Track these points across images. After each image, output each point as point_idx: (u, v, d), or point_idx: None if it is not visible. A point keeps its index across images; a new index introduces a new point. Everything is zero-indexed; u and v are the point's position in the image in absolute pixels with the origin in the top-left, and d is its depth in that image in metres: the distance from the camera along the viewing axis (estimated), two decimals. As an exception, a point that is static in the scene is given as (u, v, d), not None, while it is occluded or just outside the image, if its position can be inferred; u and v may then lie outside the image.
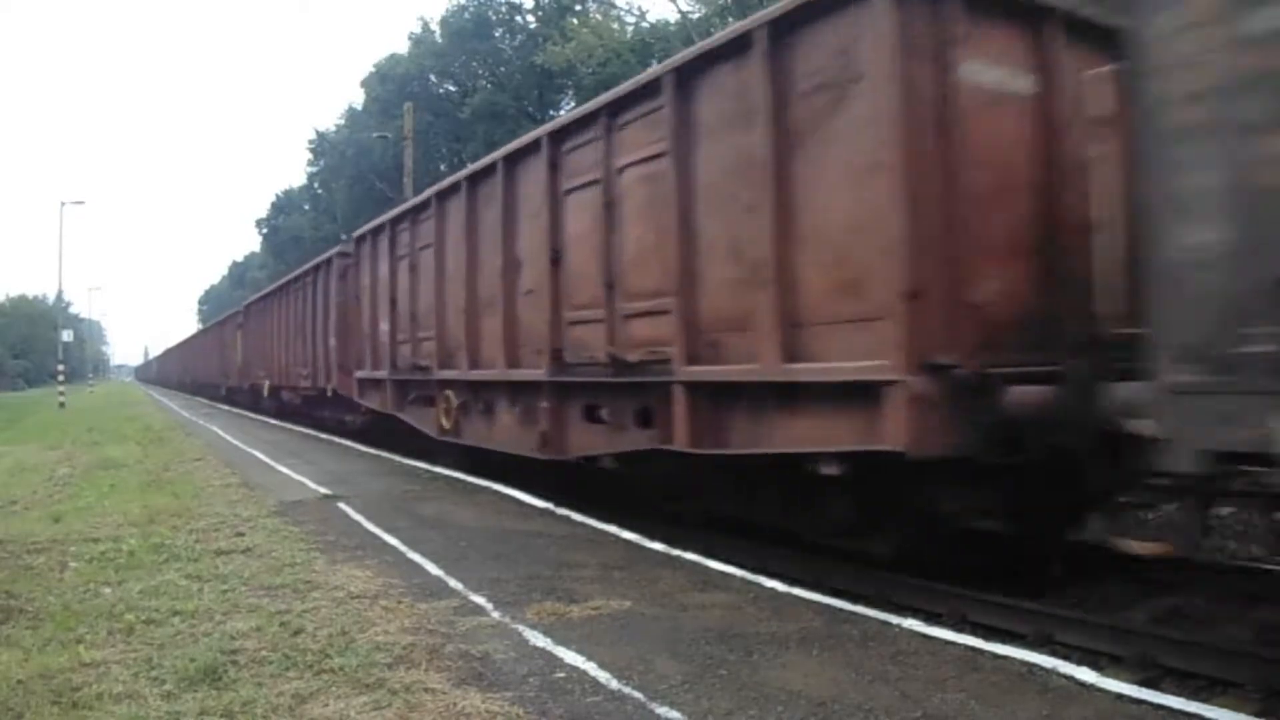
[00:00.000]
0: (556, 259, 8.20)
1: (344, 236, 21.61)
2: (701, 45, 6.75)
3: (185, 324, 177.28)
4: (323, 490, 9.94)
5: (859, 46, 5.13)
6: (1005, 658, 4.16)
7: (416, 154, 28.10)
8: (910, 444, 4.78)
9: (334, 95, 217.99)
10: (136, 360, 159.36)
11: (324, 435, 17.87)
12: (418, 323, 11.72)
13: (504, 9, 39.31)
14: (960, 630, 4.78)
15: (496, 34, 39.14)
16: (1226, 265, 3.53)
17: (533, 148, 8.68)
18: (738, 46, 6.01)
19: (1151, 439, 3.91)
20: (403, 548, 6.83)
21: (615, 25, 31.27)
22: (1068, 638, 4.81)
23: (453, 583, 5.75)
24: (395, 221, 12.62)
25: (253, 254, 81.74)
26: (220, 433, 19.79)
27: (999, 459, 4.82)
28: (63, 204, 45.71)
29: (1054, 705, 3.62)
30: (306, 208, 54.47)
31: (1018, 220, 5.33)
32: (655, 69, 7.32)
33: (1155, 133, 3.81)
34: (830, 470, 5.48)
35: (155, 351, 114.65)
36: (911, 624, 4.72)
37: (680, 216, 6.51)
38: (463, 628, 4.77)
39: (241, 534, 7.39)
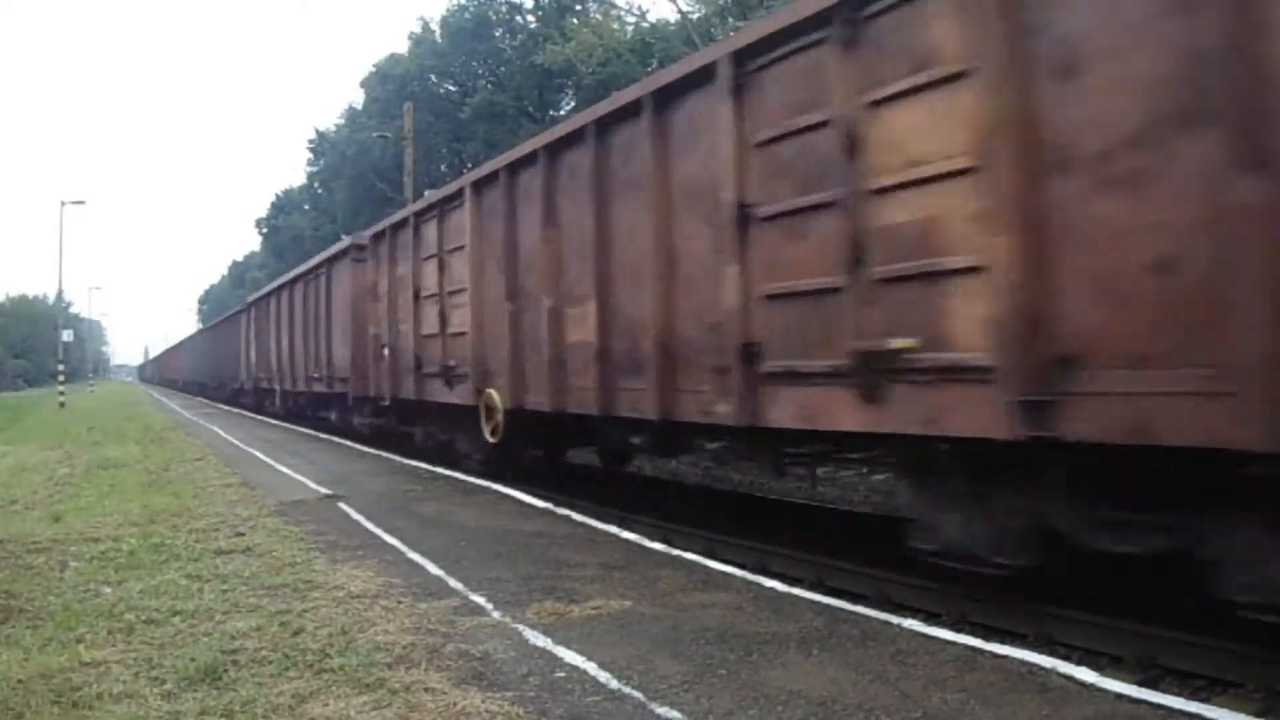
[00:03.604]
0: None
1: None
2: None
3: (185, 324, 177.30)
4: (323, 490, 9.94)
5: None
6: (1005, 657, 4.16)
7: (416, 154, 28.08)
8: None
9: (334, 95, 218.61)
10: (137, 360, 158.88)
11: (324, 435, 17.87)
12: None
13: (504, 9, 39.23)
14: (960, 630, 4.77)
15: (496, 34, 39.05)
16: None
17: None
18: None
19: None
20: (403, 547, 6.84)
21: (615, 25, 31.18)
22: (1068, 638, 4.80)
23: (453, 582, 5.75)
24: None
25: (253, 254, 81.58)
26: (221, 432, 19.79)
27: None
28: (63, 204, 45.21)
29: (1054, 705, 3.62)
30: (306, 207, 54.41)
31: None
32: None
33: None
34: None
35: (156, 351, 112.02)
36: (911, 624, 4.72)
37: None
38: (463, 627, 4.77)
39: (242, 534, 7.39)
